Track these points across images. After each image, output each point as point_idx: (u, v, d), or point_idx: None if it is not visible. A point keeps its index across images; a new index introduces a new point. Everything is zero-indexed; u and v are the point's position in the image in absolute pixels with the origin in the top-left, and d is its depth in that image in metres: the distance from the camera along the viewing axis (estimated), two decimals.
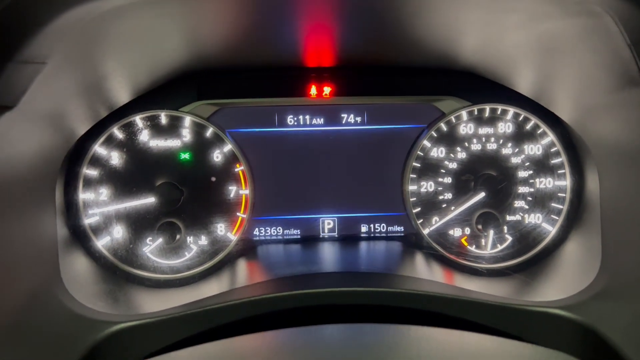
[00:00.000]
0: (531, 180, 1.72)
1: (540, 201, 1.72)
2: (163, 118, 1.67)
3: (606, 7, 0.93)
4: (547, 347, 0.94)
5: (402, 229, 1.80)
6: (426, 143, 1.73)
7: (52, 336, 1.18)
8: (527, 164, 1.72)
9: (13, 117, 1.04)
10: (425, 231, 1.75)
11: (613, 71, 1.14)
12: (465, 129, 1.73)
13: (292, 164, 1.76)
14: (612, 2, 0.91)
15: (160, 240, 1.65)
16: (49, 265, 1.32)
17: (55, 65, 1.03)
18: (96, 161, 1.64)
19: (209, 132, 1.68)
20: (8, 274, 1.10)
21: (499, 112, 1.72)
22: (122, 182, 1.65)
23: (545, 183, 1.72)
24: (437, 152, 1.73)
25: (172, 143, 1.67)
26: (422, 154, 1.73)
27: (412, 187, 1.74)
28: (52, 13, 0.86)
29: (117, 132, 1.65)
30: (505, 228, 1.73)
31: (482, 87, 1.69)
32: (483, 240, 1.73)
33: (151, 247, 1.65)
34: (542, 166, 1.72)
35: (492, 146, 1.72)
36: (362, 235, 1.80)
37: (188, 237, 1.69)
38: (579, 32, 1.09)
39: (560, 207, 1.70)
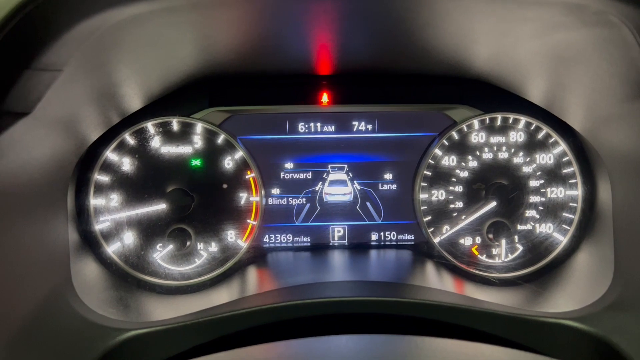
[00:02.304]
0: (542, 190, 1.71)
1: (551, 211, 1.71)
2: (175, 124, 1.67)
3: (623, 17, 0.93)
4: (561, 359, 0.93)
5: (413, 238, 1.80)
6: (437, 151, 1.72)
7: (63, 342, 1.18)
8: (539, 173, 1.71)
9: (28, 123, 1.05)
10: (436, 240, 1.74)
11: (627, 80, 1.14)
12: (477, 137, 1.72)
13: (302, 171, 1.76)
14: (629, 13, 0.91)
15: (170, 246, 1.65)
16: (61, 271, 1.33)
17: (71, 72, 1.04)
18: (107, 167, 1.64)
19: (221, 138, 1.69)
20: (20, 279, 1.11)
21: (510, 121, 1.71)
22: (133, 188, 1.65)
23: (556, 192, 1.71)
24: (449, 161, 1.73)
25: (183, 149, 1.68)
26: (433, 162, 1.73)
27: (423, 196, 1.73)
28: (71, 21, 0.87)
29: (129, 138, 1.65)
30: (517, 237, 1.72)
31: (494, 96, 1.69)
32: (494, 250, 1.72)
33: (162, 253, 1.66)
34: (553, 175, 1.71)
35: (503, 155, 1.72)
36: (373, 243, 1.80)
37: (198, 244, 1.69)
38: (595, 42, 1.09)
39: (572, 216, 1.69)
